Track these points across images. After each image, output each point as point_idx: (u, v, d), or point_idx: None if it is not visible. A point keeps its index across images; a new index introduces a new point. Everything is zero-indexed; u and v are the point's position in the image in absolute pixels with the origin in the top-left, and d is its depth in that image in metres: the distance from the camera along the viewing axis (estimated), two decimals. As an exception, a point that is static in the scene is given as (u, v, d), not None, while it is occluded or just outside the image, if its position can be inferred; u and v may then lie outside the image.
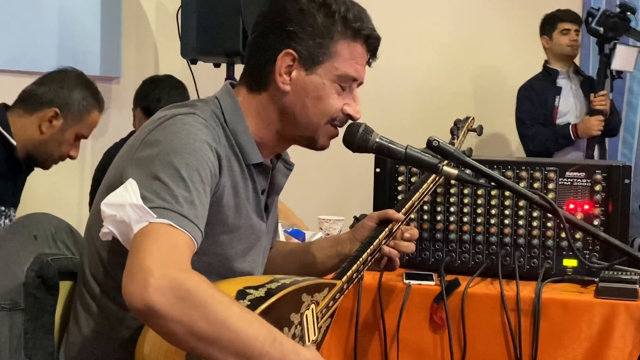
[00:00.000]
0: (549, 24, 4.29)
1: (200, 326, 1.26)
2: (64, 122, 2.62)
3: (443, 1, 4.79)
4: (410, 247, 1.89)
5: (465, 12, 4.79)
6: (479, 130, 2.26)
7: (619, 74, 4.06)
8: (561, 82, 4.31)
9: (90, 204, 3.13)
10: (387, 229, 1.85)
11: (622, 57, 3.91)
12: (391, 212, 1.88)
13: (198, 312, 1.26)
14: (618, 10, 3.99)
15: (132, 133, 3.33)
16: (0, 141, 2.56)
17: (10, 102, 2.72)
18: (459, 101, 4.72)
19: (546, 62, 4.36)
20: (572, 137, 4.16)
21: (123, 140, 3.18)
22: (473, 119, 2.28)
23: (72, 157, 2.72)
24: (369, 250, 1.79)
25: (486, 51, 4.82)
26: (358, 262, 1.76)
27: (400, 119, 4.63)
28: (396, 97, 4.75)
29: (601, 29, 3.96)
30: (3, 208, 2.61)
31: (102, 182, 1.55)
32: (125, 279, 1.28)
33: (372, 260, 1.83)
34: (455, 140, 2.15)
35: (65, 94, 2.62)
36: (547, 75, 4.32)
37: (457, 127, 2.20)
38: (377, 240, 1.82)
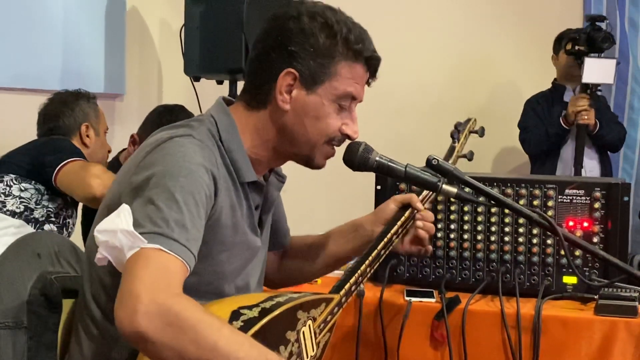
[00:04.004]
0: (558, 42, 4.31)
1: (190, 350, 1.27)
2: (93, 128, 3.13)
3: (450, 18, 4.81)
4: (424, 238, 1.89)
5: (472, 29, 4.80)
6: (481, 132, 2.21)
7: (596, 87, 4.05)
8: (568, 97, 4.31)
9: (84, 233, 3.13)
10: (392, 230, 1.83)
11: (592, 70, 3.90)
12: (415, 199, 1.87)
13: (187, 337, 1.27)
14: (588, 24, 4.01)
15: (116, 160, 3.32)
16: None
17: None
18: (465, 117, 4.71)
19: (555, 79, 4.38)
20: (564, 126, 4.11)
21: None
22: (475, 120, 2.24)
23: (110, 151, 3.28)
24: (367, 262, 1.78)
25: (493, 68, 4.83)
26: (356, 275, 1.75)
27: (407, 134, 4.64)
28: (403, 113, 4.76)
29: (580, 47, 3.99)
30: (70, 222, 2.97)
31: (100, 205, 1.56)
32: (116, 305, 1.30)
33: (387, 251, 1.83)
34: (456, 144, 2.12)
35: (77, 110, 3.11)
36: (555, 91, 4.33)
37: (457, 130, 2.16)
38: (376, 250, 1.80)
